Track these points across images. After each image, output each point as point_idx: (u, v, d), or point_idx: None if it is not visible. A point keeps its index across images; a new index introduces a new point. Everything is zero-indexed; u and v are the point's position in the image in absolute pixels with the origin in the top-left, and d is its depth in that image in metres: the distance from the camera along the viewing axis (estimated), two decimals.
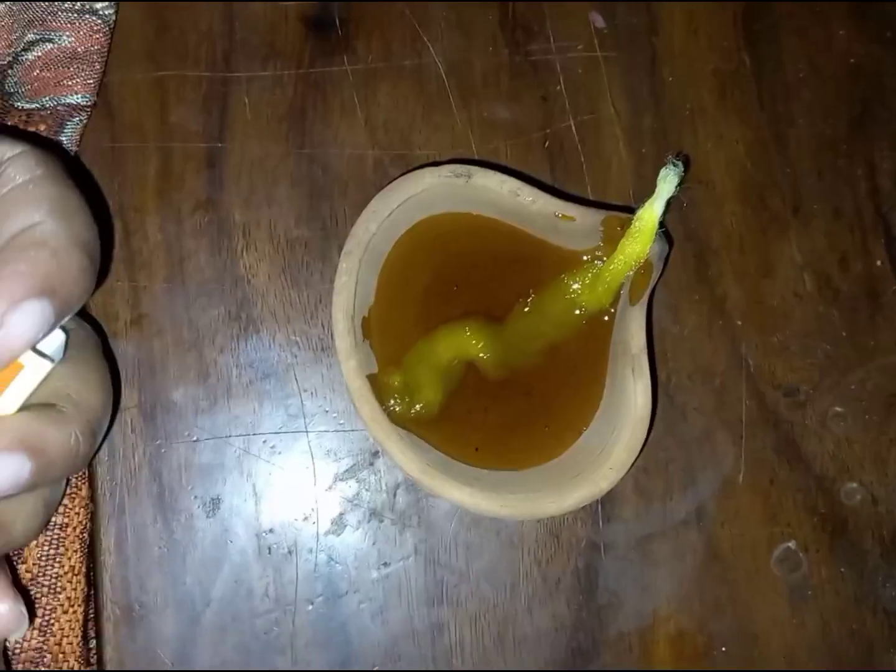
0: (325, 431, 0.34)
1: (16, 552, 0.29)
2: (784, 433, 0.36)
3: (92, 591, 0.32)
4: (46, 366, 0.24)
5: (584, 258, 0.32)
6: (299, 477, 0.34)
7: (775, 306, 0.36)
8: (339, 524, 0.34)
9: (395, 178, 0.32)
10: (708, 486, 0.35)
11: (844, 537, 0.35)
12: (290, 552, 0.34)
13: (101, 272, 0.28)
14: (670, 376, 0.36)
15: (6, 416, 0.24)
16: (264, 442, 0.34)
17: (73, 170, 0.27)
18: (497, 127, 0.36)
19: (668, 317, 0.36)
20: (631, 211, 0.31)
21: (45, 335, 0.24)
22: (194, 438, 0.34)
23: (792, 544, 0.35)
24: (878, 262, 0.37)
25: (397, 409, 0.31)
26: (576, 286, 0.32)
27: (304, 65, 0.36)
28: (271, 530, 0.34)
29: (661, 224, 0.31)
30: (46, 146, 0.26)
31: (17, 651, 0.29)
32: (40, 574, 0.29)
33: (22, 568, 0.29)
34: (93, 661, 0.31)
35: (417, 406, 0.31)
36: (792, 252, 0.37)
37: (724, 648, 0.35)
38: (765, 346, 0.36)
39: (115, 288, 0.34)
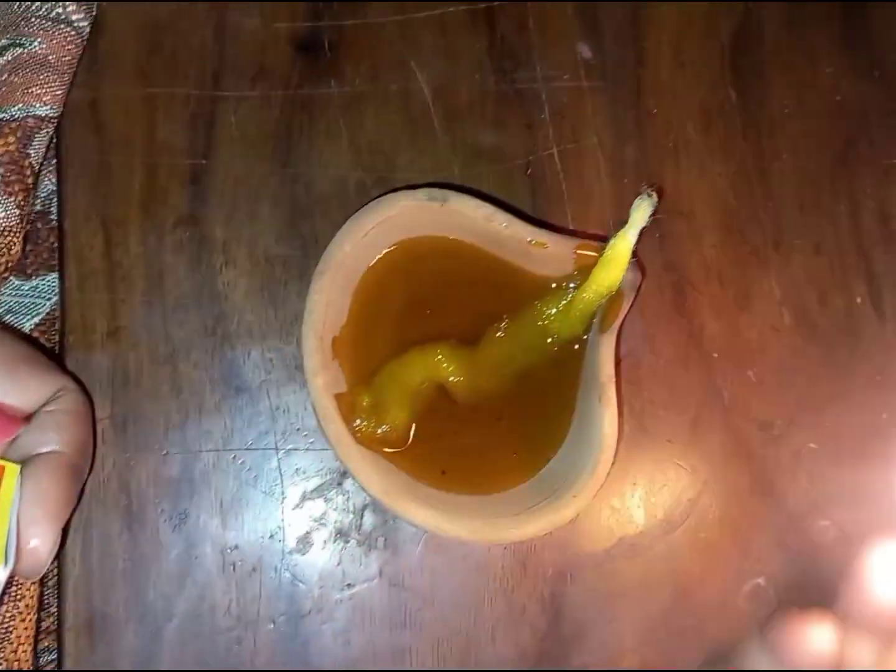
0: (295, 450, 0.34)
1: None
2: (757, 467, 0.36)
3: (44, 600, 0.32)
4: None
5: (558, 285, 0.32)
6: (267, 494, 0.34)
7: (753, 340, 0.36)
8: (304, 543, 0.34)
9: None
10: (678, 518, 0.35)
11: (815, 575, 0.35)
12: (254, 569, 0.34)
13: None
14: (644, 406, 0.35)
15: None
16: (234, 458, 0.34)
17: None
18: (480, 153, 0.37)
19: (644, 346, 0.36)
20: (606, 240, 0.31)
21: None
22: (164, 452, 0.34)
23: (762, 580, 0.35)
24: (858, 300, 0.37)
25: (363, 429, 0.31)
26: (549, 313, 0.32)
27: (291, 86, 0.37)
28: (237, 547, 0.34)
29: (634, 254, 0.31)
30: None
31: None
32: None
33: None
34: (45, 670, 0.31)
35: (384, 427, 0.31)
36: (771, 286, 0.36)
37: None
38: (741, 379, 0.36)
39: (93, 300, 0.35)
